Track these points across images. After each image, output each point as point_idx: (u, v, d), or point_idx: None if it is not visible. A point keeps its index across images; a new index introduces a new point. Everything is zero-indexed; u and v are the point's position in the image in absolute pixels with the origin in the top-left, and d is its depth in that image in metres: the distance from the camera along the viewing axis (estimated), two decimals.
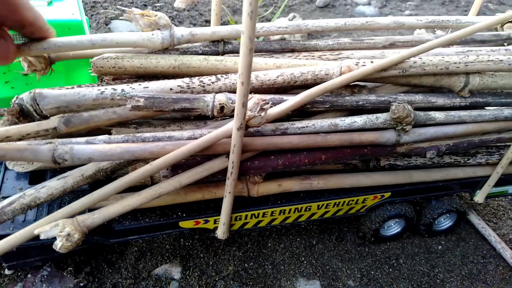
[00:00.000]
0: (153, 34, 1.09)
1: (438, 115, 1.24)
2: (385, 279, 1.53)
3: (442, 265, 1.62)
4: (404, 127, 1.19)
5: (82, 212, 0.99)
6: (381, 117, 1.18)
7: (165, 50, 1.14)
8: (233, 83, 1.09)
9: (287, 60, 1.19)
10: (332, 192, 1.38)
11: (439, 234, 1.73)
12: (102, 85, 1.12)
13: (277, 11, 2.73)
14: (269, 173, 1.24)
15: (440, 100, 1.25)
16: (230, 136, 0.99)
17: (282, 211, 1.34)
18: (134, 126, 1.13)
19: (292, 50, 1.26)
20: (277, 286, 1.45)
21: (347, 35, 3.28)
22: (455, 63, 1.18)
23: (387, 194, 1.45)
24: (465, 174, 1.51)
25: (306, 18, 3.67)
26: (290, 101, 1.05)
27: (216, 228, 1.28)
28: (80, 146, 0.92)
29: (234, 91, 1.07)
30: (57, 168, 1.22)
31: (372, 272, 1.55)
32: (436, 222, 1.65)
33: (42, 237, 0.89)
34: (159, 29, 1.10)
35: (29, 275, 1.26)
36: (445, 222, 1.70)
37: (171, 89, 1.05)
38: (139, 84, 1.05)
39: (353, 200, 1.41)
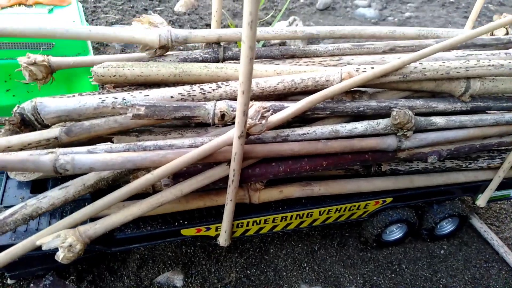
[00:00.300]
0: (151, 29, 1.09)
1: (439, 120, 1.24)
2: (387, 284, 1.53)
3: (445, 270, 1.61)
4: (405, 133, 1.19)
5: (84, 222, 0.99)
6: (382, 123, 1.18)
7: (164, 49, 1.13)
8: (233, 90, 1.09)
9: (288, 66, 1.19)
10: (333, 198, 1.38)
11: (441, 239, 1.72)
12: (103, 93, 1.12)
13: (278, 15, 2.74)
14: (270, 180, 1.24)
15: (441, 105, 1.25)
16: (231, 144, 0.99)
17: (284, 217, 1.34)
18: (135, 134, 1.13)
19: (292, 56, 1.26)
20: None
21: (346, 41, 3.28)
22: (456, 68, 1.18)
23: (388, 199, 1.45)
24: (466, 178, 1.51)
25: (306, 21, 3.67)
26: (291, 108, 1.05)
27: (217, 235, 1.28)
28: (82, 156, 0.92)
29: (234, 98, 1.08)
30: (59, 177, 1.22)
31: (375, 278, 1.55)
32: (438, 226, 1.64)
33: (44, 248, 0.89)
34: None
35: (31, 285, 1.26)
36: (447, 227, 1.69)
37: (172, 97, 1.05)
38: (140, 92, 1.05)
39: (354, 206, 1.41)
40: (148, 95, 1.04)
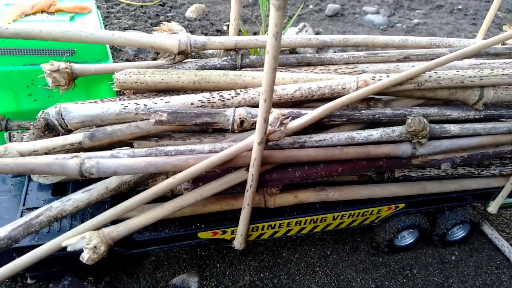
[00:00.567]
0: (170, 35, 1.12)
1: (453, 128, 1.26)
2: None
3: (456, 276, 1.62)
4: (420, 140, 1.21)
5: (105, 225, 1.02)
6: (397, 130, 1.20)
7: (183, 55, 1.16)
8: (252, 98, 1.11)
9: (304, 74, 1.21)
10: (347, 203, 1.40)
11: (452, 245, 1.73)
12: (124, 100, 1.15)
13: (289, 22, 2.77)
14: (285, 185, 1.26)
15: (455, 113, 1.27)
16: (250, 150, 1.01)
17: (298, 222, 1.36)
18: (155, 139, 1.16)
19: (308, 64, 1.28)
20: None
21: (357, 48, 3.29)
22: (470, 77, 1.20)
23: (401, 205, 1.46)
24: (478, 185, 1.53)
25: (315, 27, 3.70)
26: (309, 115, 1.07)
27: (233, 238, 1.30)
28: (106, 160, 0.95)
29: (253, 105, 1.10)
30: (79, 180, 1.25)
31: (386, 283, 1.56)
32: (449, 232, 1.65)
33: (69, 249, 0.92)
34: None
35: (51, 285, 1.28)
36: (458, 233, 1.71)
37: (192, 103, 1.08)
38: (161, 99, 1.08)
39: (368, 211, 1.43)
40: (169, 102, 1.07)
